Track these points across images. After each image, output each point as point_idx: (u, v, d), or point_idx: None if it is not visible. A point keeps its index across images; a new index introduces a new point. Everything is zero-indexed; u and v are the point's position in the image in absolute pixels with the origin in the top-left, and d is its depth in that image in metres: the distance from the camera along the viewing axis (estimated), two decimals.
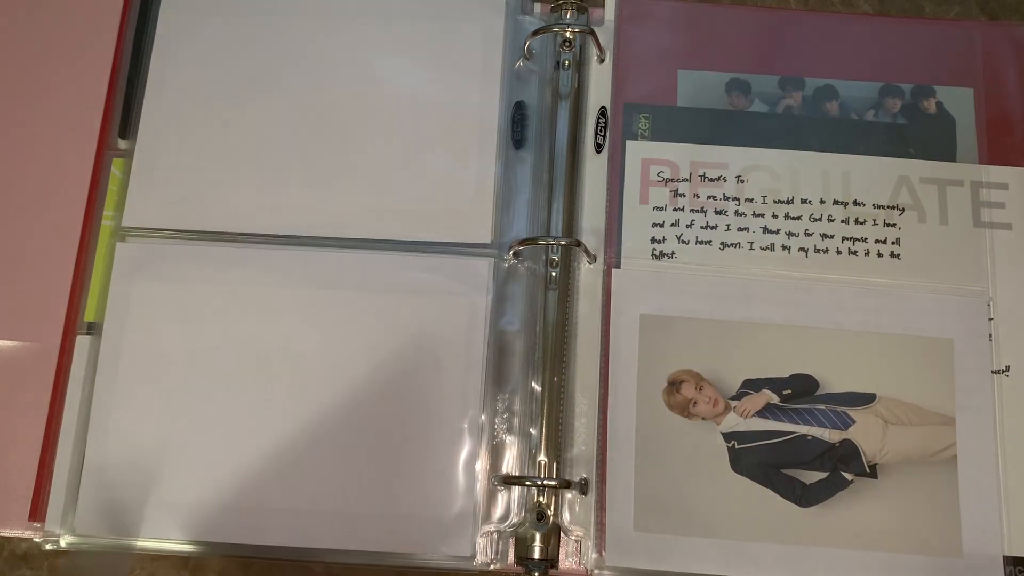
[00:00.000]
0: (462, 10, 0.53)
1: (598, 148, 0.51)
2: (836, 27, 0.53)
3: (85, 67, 0.52)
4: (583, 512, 0.46)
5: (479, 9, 0.53)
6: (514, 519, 0.46)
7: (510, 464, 0.47)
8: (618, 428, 0.46)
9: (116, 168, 0.51)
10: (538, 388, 0.47)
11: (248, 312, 0.49)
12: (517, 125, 0.51)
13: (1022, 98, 0.51)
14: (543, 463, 0.45)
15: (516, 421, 0.47)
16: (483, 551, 0.45)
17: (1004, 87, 0.52)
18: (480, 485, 0.46)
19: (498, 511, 0.46)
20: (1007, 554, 0.45)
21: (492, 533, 0.46)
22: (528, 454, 0.46)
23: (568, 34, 0.51)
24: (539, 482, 0.45)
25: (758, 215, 0.50)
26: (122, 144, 0.51)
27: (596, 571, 0.45)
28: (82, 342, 0.48)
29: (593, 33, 0.51)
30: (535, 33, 0.51)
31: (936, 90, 0.52)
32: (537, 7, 0.54)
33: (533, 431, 0.46)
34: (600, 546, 0.45)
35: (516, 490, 0.46)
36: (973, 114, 0.51)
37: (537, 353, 0.47)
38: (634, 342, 0.48)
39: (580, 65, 0.52)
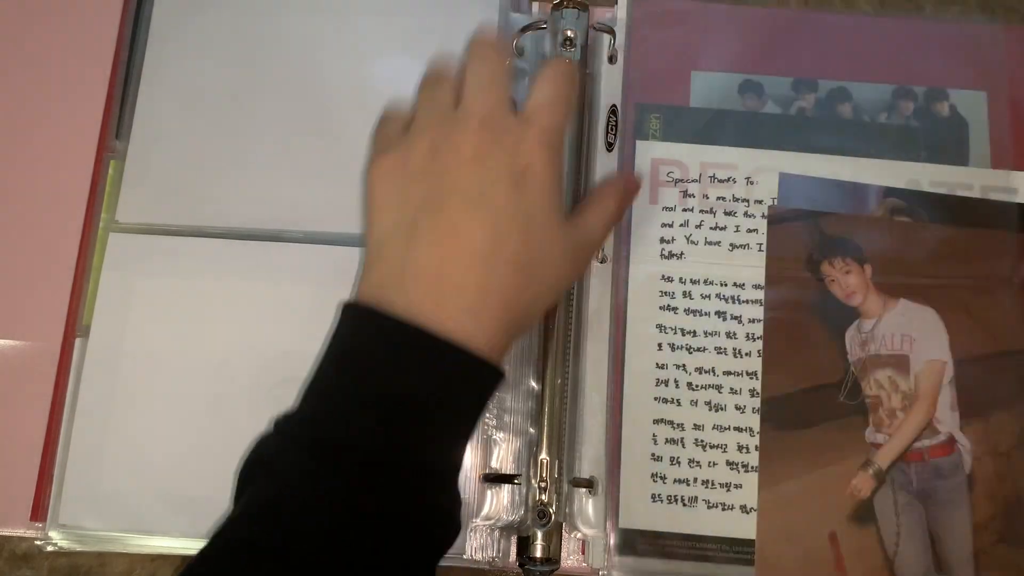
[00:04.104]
0: (455, 6, 0.53)
1: (609, 147, 0.50)
2: (850, 29, 0.53)
3: (85, 69, 0.52)
4: (593, 511, 0.46)
5: (472, 5, 0.52)
6: (508, 516, 0.46)
7: (504, 462, 0.47)
8: (631, 427, 0.47)
9: (111, 169, 0.51)
10: (537, 387, 0.47)
11: (241, 308, 0.48)
12: None
13: None
14: (544, 461, 0.45)
15: (508, 419, 0.47)
16: (480, 548, 0.45)
17: (1017, 91, 0.52)
18: (470, 482, 0.46)
19: (487, 508, 0.46)
20: None
21: (483, 529, 0.46)
22: (528, 451, 0.46)
23: (569, 33, 0.51)
24: (532, 481, 0.45)
25: (767, 217, 0.49)
26: (117, 145, 0.51)
27: (603, 572, 0.45)
28: (81, 344, 0.48)
29: (612, 32, 0.51)
30: (524, 30, 0.51)
31: (949, 93, 0.52)
32: (536, 6, 0.54)
33: (533, 430, 0.46)
34: (608, 545, 0.45)
35: (512, 488, 0.46)
36: (986, 118, 0.51)
37: (537, 351, 0.47)
38: (645, 341, 0.48)
39: (584, 64, 0.51)
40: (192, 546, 0.45)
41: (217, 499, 0.45)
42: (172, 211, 0.50)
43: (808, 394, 0.46)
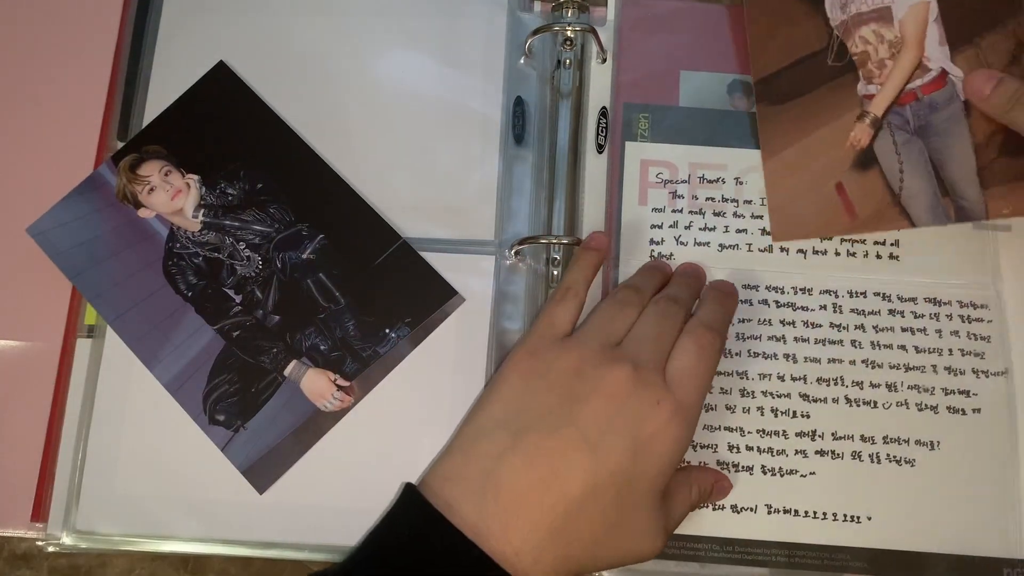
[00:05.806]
0: (464, 7, 0.53)
1: (599, 148, 0.51)
2: None
3: (85, 69, 0.52)
4: None
5: (481, 6, 0.53)
6: None
7: None
8: None
9: None
10: None
11: None
12: (517, 120, 0.51)
13: None
14: None
15: None
16: None
17: None
18: None
19: None
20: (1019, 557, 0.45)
21: None
22: None
23: (569, 32, 0.51)
24: None
25: (756, 217, 0.49)
26: (120, 146, 0.51)
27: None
28: (83, 344, 0.48)
29: (594, 32, 0.51)
30: (536, 32, 0.51)
31: None
32: (537, 6, 0.54)
33: None
34: None
35: None
36: None
37: None
38: None
39: (581, 64, 0.52)
40: (205, 549, 0.46)
41: (231, 501, 0.46)
42: None
43: (797, 66, 0.48)
